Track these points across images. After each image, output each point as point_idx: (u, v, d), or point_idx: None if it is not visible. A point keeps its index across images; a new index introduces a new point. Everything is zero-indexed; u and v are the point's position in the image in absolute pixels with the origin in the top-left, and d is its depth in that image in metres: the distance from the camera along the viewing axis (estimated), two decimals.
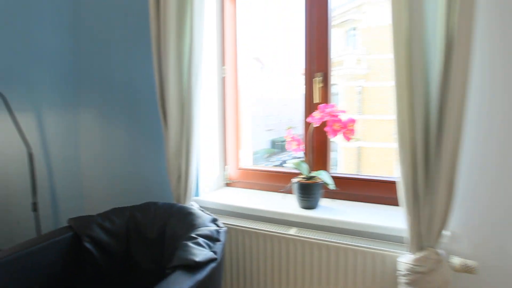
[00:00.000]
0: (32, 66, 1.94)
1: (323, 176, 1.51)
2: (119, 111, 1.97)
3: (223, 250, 1.12)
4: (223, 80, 1.92)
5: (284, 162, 2.25)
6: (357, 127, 1.46)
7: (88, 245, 1.26)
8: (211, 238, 1.12)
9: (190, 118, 1.54)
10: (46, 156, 2.02)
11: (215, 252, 1.04)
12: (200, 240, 1.08)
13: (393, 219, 1.36)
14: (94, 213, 2.15)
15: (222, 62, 1.90)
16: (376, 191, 1.56)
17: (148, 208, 1.41)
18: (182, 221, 1.27)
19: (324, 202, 1.60)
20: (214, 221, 1.28)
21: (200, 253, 0.99)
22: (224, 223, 1.58)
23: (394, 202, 1.47)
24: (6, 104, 1.77)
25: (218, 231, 1.17)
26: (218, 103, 1.91)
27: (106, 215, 1.37)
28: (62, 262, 1.23)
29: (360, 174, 1.66)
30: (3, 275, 1.09)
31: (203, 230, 1.15)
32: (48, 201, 2.05)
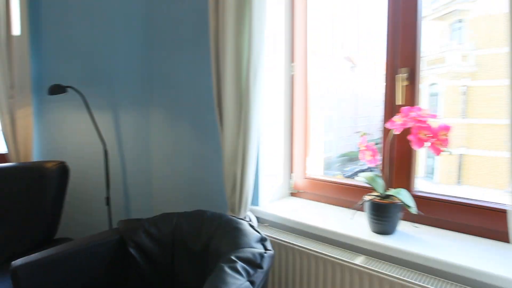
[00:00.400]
0: (109, 68, 2.02)
1: (403, 196, 1.21)
2: (184, 111, 1.93)
3: (264, 280, 0.94)
4: (291, 79, 1.73)
5: (359, 171, 1.96)
6: (452, 135, 1.13)
7: (132, 250, 1.21)
8: (253, 264, 0.95)
9: (247, 120, 1.40)
10: (121, 154, 2.10)
11: (252, 283, 0.88)
12: (239, 265, 0.92)
13: (502, 261, 1.01)
14: (161, 212, 2.22)
15: (291, 59, 1.71)
16: (474, 219, 1.21)
17: (196, 217, 1.31)
18: (227, 236, 1.13)
19: (403, 227, 1.30)
20: (262, 241, 1.11)
21: (234, 283, 0.84)
22: (278, 239, 1.40)
23: (501, 236, 1.11)
24: (85, 103, 1.87)
25: (262, 256, 0.99)
26: (285, 103, 1.73)
27: (153, 221, 1.31)
28: (106, 265, 1.21)
29: (455, 196, 1.30)
30: (48, 272, 1.10)
31: (246, 252, 0.99)
32: (120, 197, 2.13)
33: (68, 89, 1.83)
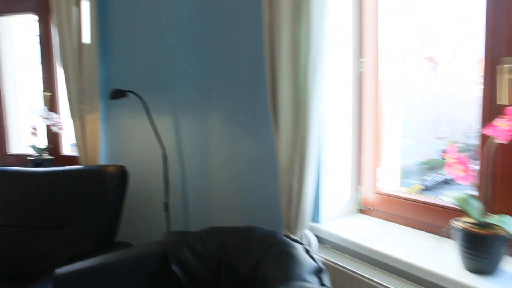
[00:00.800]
0: (169, 72, 2.00)
1: (508, 226, 0.91)
2: (241, 115, 1.81)
3: None
4: (360, 76, 1.49)
5: (443, 182, 1.62)
6: None
7: (175, 267, 1.11)
8: None
9: (306, 123, 1.21)
10: (180, 159, 2.06)
11: None
12: None
13: None
14: (219, 221, 2.14)
15: (360, 54, 1.48)
16: None
17: (246, 234, 1.16)
18: (277, 262, 0.96)
19: (508, 266, 0.99)
20: (318, 273, 0.91)
21: None
22: (341, 265, 1.18)
23: None
24: (145, 107, 1.86)
25: None
26: (352, 104, 1.50)
27: (199, 236, 1.19)
28: (148, 278, 1.13)
29: None
30: (89, 282, 1.05)
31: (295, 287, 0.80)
32: (179, 202, 2.09)
33: (129, 93, 1.84)
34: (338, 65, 1.44)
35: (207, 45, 1.95)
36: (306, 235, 1.30)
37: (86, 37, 1.96)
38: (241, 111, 1.80)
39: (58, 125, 2.20)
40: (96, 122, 2.02)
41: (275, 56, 1.27)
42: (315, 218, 1.40)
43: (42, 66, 2.29)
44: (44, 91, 2.31)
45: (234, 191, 1.89)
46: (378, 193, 1.47)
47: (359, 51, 1.48)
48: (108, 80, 2.08)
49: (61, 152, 2.34)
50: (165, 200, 1.95)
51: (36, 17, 2.27)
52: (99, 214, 1.69)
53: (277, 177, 1.37)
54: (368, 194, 1.50)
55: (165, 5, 1.95)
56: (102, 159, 2.09)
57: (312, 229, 1.35)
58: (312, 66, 1.17)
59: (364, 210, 1.51)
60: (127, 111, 2.07)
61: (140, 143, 2.08)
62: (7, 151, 2.47)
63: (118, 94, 1.80)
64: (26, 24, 2.47)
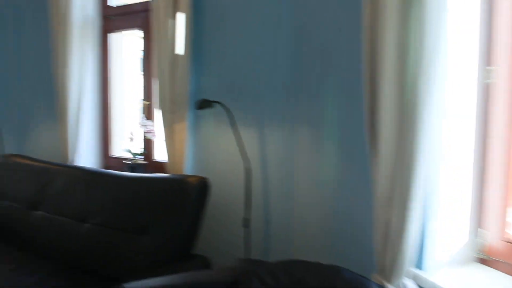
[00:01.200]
0: (256, 82, 1.93)
1: None
2: (331, 130, 1.63)
3: None
4: (486, 89, 1.18)
5: None
6: None
7: None
8: None
9: (413, 146, 0.98)
10: (263, 174, 1.95)
11: None
12: None
13: None
14: (299, 248, 1.96)
15: (487, 61, 1.17)
16: None
17: (329, 275, 0.97)
18: None
19: None
20: None
21: None
22: None
23: None
24: (231, 118, 1.82)
25: None
26: (476, 125, 1.19)
27: (273, 268, 1.04)
28: None
29: None
30: None
31: None
32: (260, 220, 1.97)
33: (215, 104, 1.81)
34: (456, 75, 1.16)
35: (297, 51, 1.82)
36: (405, 285, 1.04)
37: (180, 48, 2.02)
38: (331, 125, 1.62)
39: (152, 132, 2.31)
40: (183, 131, 2.05)
41: (376, 64, 1.07)
42: (419, 264, 1.12)
43: (144, 78, 2.45)
44: (143, 100, 2.47)
45: (320, 219, 1.70)
46: (507, 241, 1.12)
47: (487, 57, 1.18)
48: (197, 90, 2.10)
49: (153, 158, 2.45)
50: (246, 216, 1.86)
51: (142, 33, 2.44)
52: (179, 224, 1.68)
53: (372, 208, 1.14)
54: (493, 241, 1.16)
55: (256, 14, 1.90)
56: (187, 167, 2.11)
57: (414, 278, 1.09)
58: (423, 76, 0.94)
59: (485, 259, 1.18)
60: (213, 122, 2.06)
61: (223, 155, 2.04)
62: (109, 154, 2.70)
63: (204, 104, 1.78)
64: (133, 40, 2.68)
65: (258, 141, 1.94)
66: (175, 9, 2.00)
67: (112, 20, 2.57)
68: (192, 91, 2.08)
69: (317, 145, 1.74)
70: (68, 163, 2.48)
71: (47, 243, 1.99)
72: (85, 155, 2.59)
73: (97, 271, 1.80)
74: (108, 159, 2.69)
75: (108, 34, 2.60)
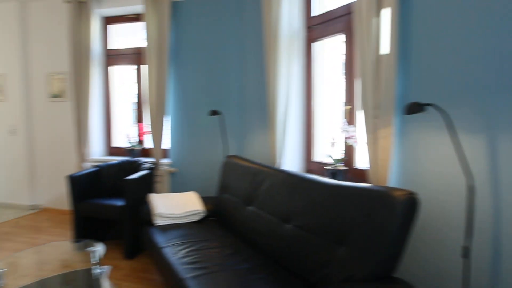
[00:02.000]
0: (482, 78, 1.52)
1: None
2: None
3: None
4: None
5: None
6: None
7: None
8: None
9: None
10: (493, 193, 1.53)
11: None
12: None
13: None
14: None
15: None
16: None
17: None
18: None
19: None
20: None
21: None
22: None
23: None
24: (449, 124, 1.51)
25: None
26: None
27: None
28: None
29: None
30: None
31: None
32: (485, 251, 1.56)
33: (428, 107, 1.54)
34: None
35: None
36: None
37: (385, 47, 1.84)
38: None
39: (353, 138, 2.23)
40: (388, 138, 1.86)
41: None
42: None
43: (345, 81, 2.41)
44: (345, 104, 2.42)
45: None
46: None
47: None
48: (404, 93, 1.86)
49: (354, 165, 2.36)
50: (465, 244, 1.50)
51: (343, 37, 2.40)
52: (381, 241, 1.52)
53: None
54: None
55: None
56: (391, 178, 1.91)
57: None
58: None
59: None
60: (425, 128, 1.77)
61: (436, 166, 1.72)
62: (311, 159, 2.80)
63: (414, 108, 1.55)
64: (335, 46, 2.68)
65: (486, 151, 1.53)
66: (379, 6, 1.85)
67: (315, 30, 2.65)
68: (399, 93, 1.86)
69: None
70: (275, 166, 2.72)
71: (257, 236, 2.24)
72: (290, 159, 2.79)
73: (295, 272, 1.88)
74: (310, 164, 2.80)
75: (312, 44, 2.70)
